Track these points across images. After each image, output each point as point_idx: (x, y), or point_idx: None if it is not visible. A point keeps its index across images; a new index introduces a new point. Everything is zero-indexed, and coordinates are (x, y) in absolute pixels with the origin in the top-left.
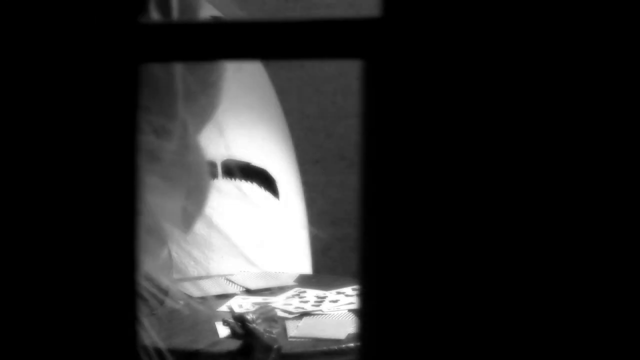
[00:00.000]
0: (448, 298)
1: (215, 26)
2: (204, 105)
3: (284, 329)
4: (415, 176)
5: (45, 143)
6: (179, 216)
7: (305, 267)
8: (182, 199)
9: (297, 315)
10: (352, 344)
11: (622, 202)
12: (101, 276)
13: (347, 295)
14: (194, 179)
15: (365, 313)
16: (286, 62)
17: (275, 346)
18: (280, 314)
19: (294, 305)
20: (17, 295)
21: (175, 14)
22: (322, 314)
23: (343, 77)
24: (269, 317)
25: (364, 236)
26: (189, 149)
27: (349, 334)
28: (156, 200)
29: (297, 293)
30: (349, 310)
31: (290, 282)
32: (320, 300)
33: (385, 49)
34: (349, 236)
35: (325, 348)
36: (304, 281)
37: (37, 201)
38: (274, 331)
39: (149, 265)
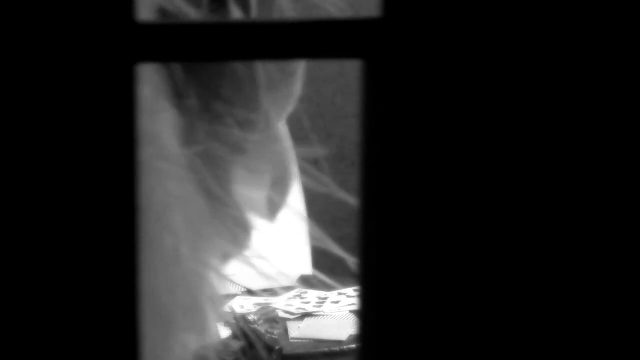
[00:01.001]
0: (449, 299)
1: (214, 26)
2: (284, 94)
3: (285, 330)
4: (416, 176)
5: (40, 142)
6: (265, 206)
7: (306, 267)
8: (267, 189)
9: (298, 316)
10: (353, 345)
11: (622, 202)
12: (101, 278)
13: (348, 296)
14: (278, 168)
15: (364, 314)
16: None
17: (277, 347)
18: (281, 314)
19: (295, 306)
20: (16, 296)
21: (254, 9)
22: (324, 315)
23: (343, 77)
24: (270, 317)
25: (364, 236)
26: (272, 139)
27: (350, 335)
28: (242, 191)
29: (298, 294)
30: (351, 311)
31: (292, 282)
32: (322, 301)
33: (385, 49)
34: (349, 236)
35: (326, 349)
36: (305, 282)
37: (33, 201)
38: (275, 332)
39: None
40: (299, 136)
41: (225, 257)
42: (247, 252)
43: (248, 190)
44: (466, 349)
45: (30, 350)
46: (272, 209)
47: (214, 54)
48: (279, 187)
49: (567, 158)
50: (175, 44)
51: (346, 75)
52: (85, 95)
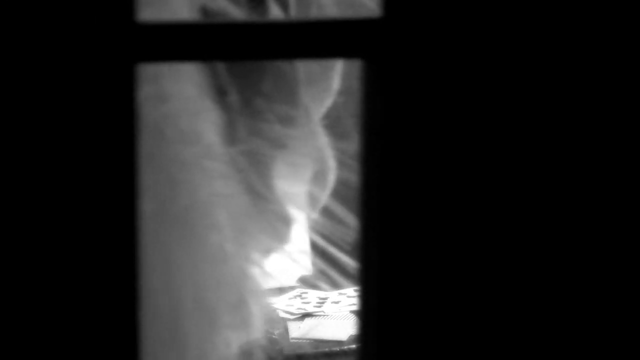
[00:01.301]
0: (448, 299)
1: (214, 26)
2: (323, 88)
3: (286, 330)
4: (416, 176)
5: (40, 142)
6: (305, 200)
7: (307, 267)
8: (308, 184)
9: (298, 316)
10: (353, 345)
11: (622, 202)
12: (101, 279)
13: (348, 297)
14: (318, 163)
15: (364, 314)
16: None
17: (277, 347)
18: (281, 314)
19: (296, 306)
20: (16, 297)
21: (293, 6)
22: (324, 315)
23: (343, 77)
24: (271, 318)
25: (364, 236)
26: (312, 134)
27: (350, 336)
28: (282, 186)
29: (298, 294)
30: (351, 312)
31: (292, 282)
32: (322, 301)
33: (385, 49)
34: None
35: (327, 349)
36: (306, 282)
37: (33, 201)
38: (276, 332)
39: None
40: (338, 130)
41: (267, 252)
42: (287, 247)
43: (289, 185)
44: (466, 348)
45: (31, 350)
46: (313, 202)
47: (213, 53)
48: (319, 181)
49: (568, 158)
50: (175, 44)
51: (346, 75)
52: (86, 95)
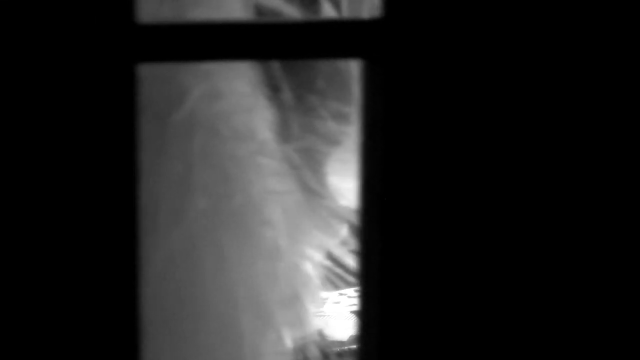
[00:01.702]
0: (449, 300)
1: (214, 26)
2: None
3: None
4: (416, 176)
5: (42, 142)
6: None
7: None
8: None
9: None
10: (354, 346)
11: (622, 202)
12: (102, 278)
13: (349, 297)
14: None
15: (364, 315)
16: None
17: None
18: None
19: None
20: (17, 296)
21: (345, 8)
22: (325, 316)
23: None
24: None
25: (365, 237)
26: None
27: (350, 336)
28: (335, 182)
29: None
30: (351, 312)
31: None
32: (323, 301)
33: (386, 49)
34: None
35: (327, 349)
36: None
37: (34, 201)
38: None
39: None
40: None
41: (320, 248)
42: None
43: (341, 181)
44: (466, 349)
45: (33, 350)
46: None
47: (213, 53)
48: None
49: (567, 157)
50: (175, 44)
51: None
52: (87, 95)
